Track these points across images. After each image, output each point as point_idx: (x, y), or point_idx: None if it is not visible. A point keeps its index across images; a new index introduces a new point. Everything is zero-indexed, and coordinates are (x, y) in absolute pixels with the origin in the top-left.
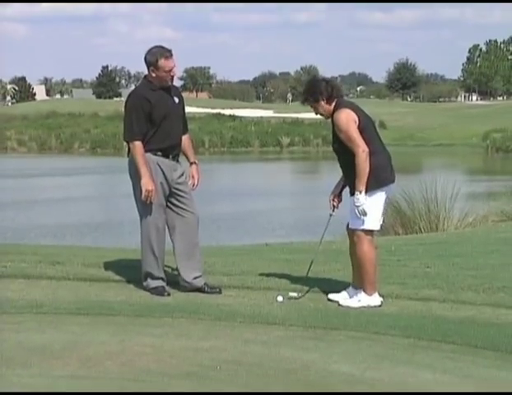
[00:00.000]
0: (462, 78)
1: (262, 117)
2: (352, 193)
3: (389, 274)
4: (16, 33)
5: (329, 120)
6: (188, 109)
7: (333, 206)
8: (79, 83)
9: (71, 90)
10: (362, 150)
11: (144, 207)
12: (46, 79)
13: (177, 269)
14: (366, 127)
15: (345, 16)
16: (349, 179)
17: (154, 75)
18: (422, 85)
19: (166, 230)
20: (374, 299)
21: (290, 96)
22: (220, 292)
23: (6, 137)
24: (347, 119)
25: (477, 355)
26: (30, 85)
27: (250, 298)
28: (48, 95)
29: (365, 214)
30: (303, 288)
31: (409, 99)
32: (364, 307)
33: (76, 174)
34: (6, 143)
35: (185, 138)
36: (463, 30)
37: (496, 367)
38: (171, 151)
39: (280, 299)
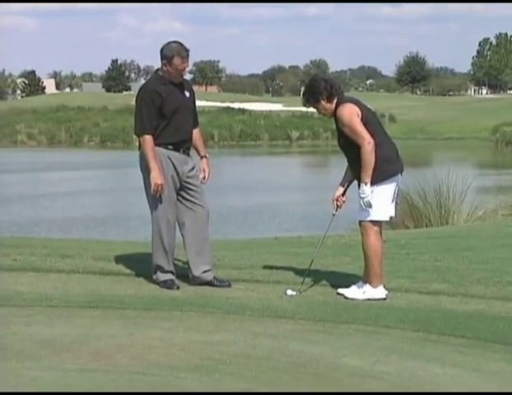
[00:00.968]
0: (471, 72)
1: (271, 110)
2: (361, 185)
3: (399, 268)
4: (25, 26)
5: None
6: (197, 103)
7: (337, 205)
8: (88, 77)
9: (80, 84)
10: (368, 142)
11: (154, 201)
12: (56, 73)
13: (187, 263)
14: (370, 119)
15: (354, 10)
16: (357, 173)
17: (165, 69)
18: (432, 78)
19: (176, 223)
20: (379, 292)
21: (302, 89)
22: (229, 286)
23: (16, 130)
24: (350, 113)
25: (486, 348)
26: (39, 79)
27: (259, 291)
28: (57, 88)
29: (370, 205)
30: (311, 282)
31: (419, 92)
32: (369, 299)
33: (85, 168)
34: (16, 137)
35: (196, 132)
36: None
37: (506, 361)
38: (182, 144)
39: (289, 292)
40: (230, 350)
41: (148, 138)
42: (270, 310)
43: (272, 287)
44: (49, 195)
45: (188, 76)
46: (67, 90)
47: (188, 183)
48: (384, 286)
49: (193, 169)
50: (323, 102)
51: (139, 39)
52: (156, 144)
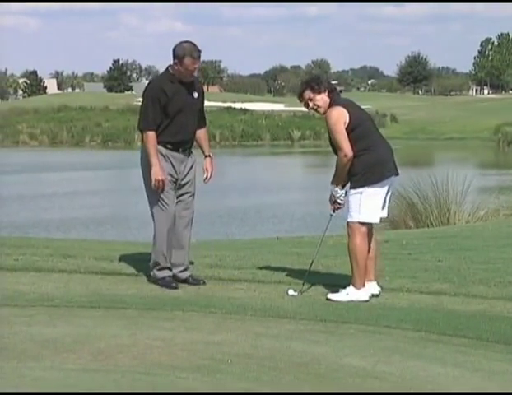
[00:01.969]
0: (473, 72)
1: (273, 110)
2: (352, 187)
3: (400, 268)
4: (27, 26)
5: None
6: None
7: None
8: (90, 77)
9: (82, 84)
10: (344, 154)
11: (154, 197)
12: (57, 73)
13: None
14: (361, 123)
15: (356, 10)
16: (347, 175)
17: (176, 68)
18: (434, 78)
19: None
20: (363, 294)
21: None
22: (204, 283)
23: (18, 130)
24: (336, 119)
25: (488, 348)
26: (41, 79)
27: (261, 291)
28: (59, 88)
29: (338, 205)
30: (313, 282)
31: (420, 92)
32: (352, 301)
33: (86, 169)
34: (17, 137)
35: (201, 132)
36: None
37: (508, 361)
38: (182, 145)
39: (291, 292)
40: (231, 350)
41: (151, 134)
42: (272, 310)
43: (274, 287)
44: (48, 196)
45: None
46: (69, 90)
47: (184, 183)
48: (380, 285)
49: (190, 168)
50: (323, 94)
51: (141, 39)
52: (157, 142)
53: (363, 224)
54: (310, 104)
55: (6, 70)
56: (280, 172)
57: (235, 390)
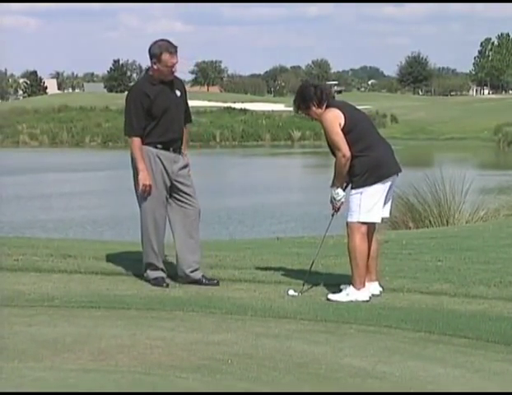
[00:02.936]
0: (473, 72)
1: (273, 110)
2: (352, 187)
3: (401, 268)
4: (27, 27)
5: None
6: (199, 103)
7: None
8: (90, 77)
9: (82, 84)
10: (343, 154)
11: (143, 200)
12: (57, 73)
13: (176, 261)
14: (357, 124)
15: (356, 10)
16: (347, 176)
17: (155, 67)
18: (434, 78)
19: (167, 221)
20: (363, 294)
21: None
22: (217, 284)
23: (18, 130)
24: (332, 121)
25: (488, 349)
26: (41, 79)
27: (261, 291)
28: (59, 89)
29: (339, 206)
30: (313, 282)
31: (420, 92)
32: (352, 301)
33: (86, 170)
34: (18, 137)
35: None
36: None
37: (508, 361)
38: (172, 143)
39: (291, 292)
40: (231, 350)
41: (136, 140)
42: (272, 310)
43: (274, 287)
44: (46, 196)
45: (189, 77)
46: (69, 90)
47: (179, 182)
48: (381, 285)
49: (184, 167)
50: (313, 108)
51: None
52: (146, 143)
53: (363, 224)
54: (308, 117)
55: (6, 70)
56: (280, 172)
57: (235, 390)
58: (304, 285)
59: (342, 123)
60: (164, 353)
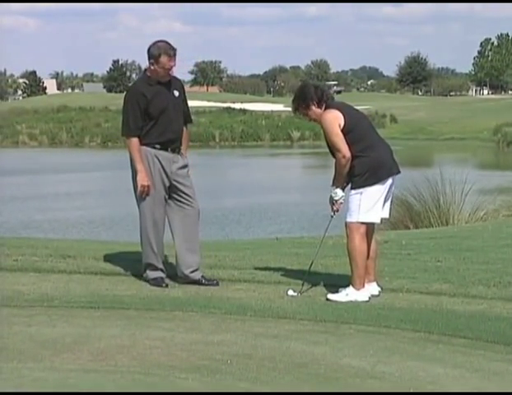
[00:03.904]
0: (473, 72)
1: (272, 111)
2: (352, 187)
3: (400, 268)
4: (26, 27)
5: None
6: (198, 103)
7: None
8: (90, 77)
9: (81, 85)
10: (343, 155)
11: (141, 201)
12: (57, 73)
13: (176, 261)
14: (357, 124)
15: (355, 10)
16: (347, 176)
17: (152, 68)
18: (433, 79)
19: (166, 221)
20: (362, 294)
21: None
22: (217, 284)
23: (18, 131)
24: (331, 121)
25: (487, 349)
26: (40, 80)
27: (261, 292)
28: (58, 89)
29: (337, 205)
30: (312, 282)
31: (420, 93)
32: (351, 301)
33: (86, 170)
34: (17, 137)
35: (184, 130)
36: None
37: (507, 361)
38: (170, 144)
39: (290, 293)
40: (231, 350)
41: (134, 141)
42: (271, 311)
43: (274, 287)
44: (44, 197)
45: (189, 77)
46: (69, 90)
47: (178, 182)
48: (379, 286)
49: (183, 167)
50: (313, 107)
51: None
52: (144, 144)
53: (362, 224)
54: (306, 117)
55: (5, 70)
56: (279, 172)
57: (235, 390)
58: (303, 285)
59: (342, 123)
60: (163, 353)
